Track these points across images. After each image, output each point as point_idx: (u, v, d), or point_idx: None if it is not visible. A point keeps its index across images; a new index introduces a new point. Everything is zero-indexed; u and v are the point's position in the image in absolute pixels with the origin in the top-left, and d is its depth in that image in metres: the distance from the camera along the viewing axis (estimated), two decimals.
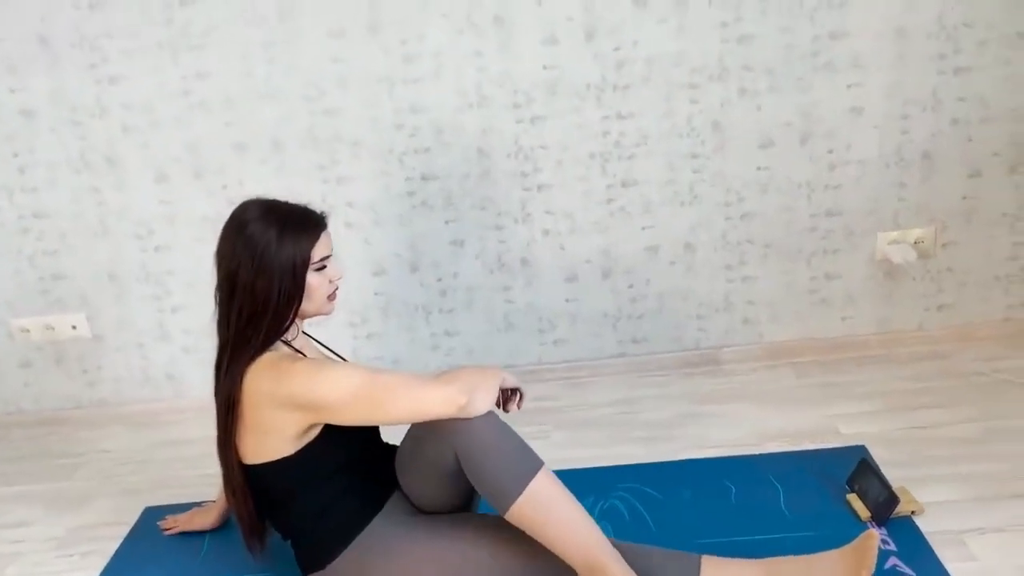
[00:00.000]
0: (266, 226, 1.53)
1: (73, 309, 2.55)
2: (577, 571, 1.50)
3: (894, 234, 2.42)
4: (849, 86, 2.26)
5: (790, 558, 1.59)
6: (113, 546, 2.07)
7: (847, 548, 1.57)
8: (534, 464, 1.51)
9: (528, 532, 1.50)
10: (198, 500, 2.21)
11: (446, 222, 2.44)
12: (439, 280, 2.51)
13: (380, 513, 1.64)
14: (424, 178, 2.39)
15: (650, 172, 2.37)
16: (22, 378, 2.64)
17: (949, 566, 1.69)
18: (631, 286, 2.50)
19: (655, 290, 2.50)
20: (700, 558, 1.56)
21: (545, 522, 1.48)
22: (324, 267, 1.59)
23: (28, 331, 2.56)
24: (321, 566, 1.61)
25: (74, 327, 2.56)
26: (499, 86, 2.29)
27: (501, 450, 1.50)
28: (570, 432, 2.33)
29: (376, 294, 2.52)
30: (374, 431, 1.75)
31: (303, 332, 1.71)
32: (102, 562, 2.02)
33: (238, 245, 1.53)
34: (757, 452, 2.13)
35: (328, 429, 1.57)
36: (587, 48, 2.24)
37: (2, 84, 2.29)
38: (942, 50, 2.22)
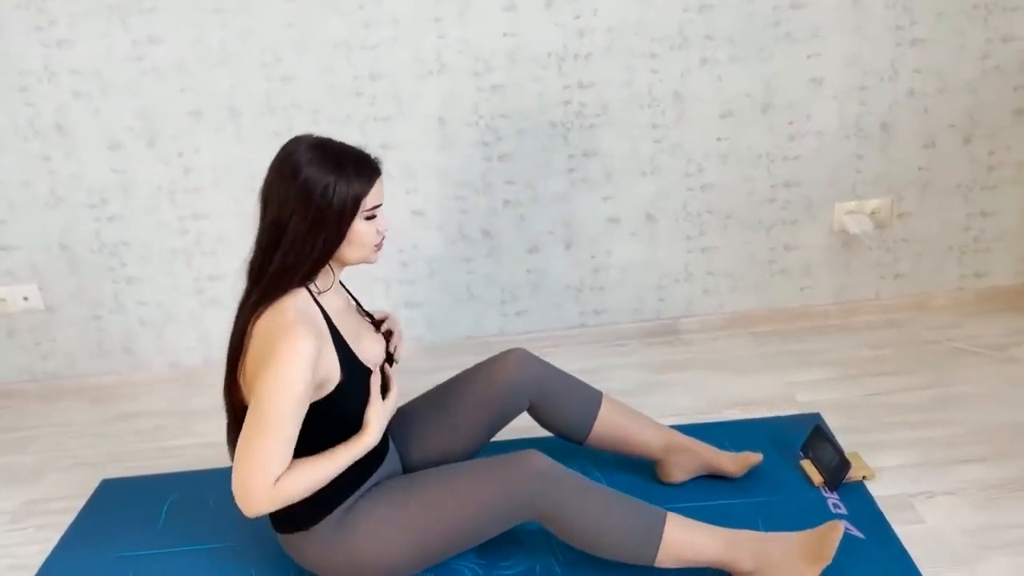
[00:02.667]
0: (322, 171, 1.46)
1: (24, 280, 2.49)
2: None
3: (851, 204, 2.44)
4: (809, 56, 2.27)
5: (751, 533, 1.62)
6: (67, 519, 2.05)
7: (810, 534, 1.60)
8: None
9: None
10: (155, 472, 2.19)
11: (407, 192, 2.42)
12: (400, 251, 2.49)
13: (363, 485, 1.65)
14: (384, 147, 2.35)
15: (611, 142, 2.36)
16: None
17: (898, 528, 1.73)
18: (593, 257, 2.50)
19: (616, 261, 2.51)
20: (666, 514, 1.60)
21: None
22: (375, 216, 1.54)
23: None
24: (301, 528, 1.61)
25: (26, 298, 2.50)
26: (459, 52, 2.26)
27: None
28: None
29: None
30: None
31: (340, 282, 1.65)
32: (56, 535, 1.99)
33: (292, 191, 1.46)
34: (715, 420, 2.16)
35: (325, 403, 1.54)
36: (547, 15, 2.22)
37: None
38: (899, 21, 2.24)
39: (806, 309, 2.57)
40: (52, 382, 2.62)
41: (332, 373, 1.52)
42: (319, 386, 1.51)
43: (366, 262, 1.59)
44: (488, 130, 2.35)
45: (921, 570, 1.62)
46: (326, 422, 1.54)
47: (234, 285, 2.45)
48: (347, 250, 1.53)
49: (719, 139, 2.36)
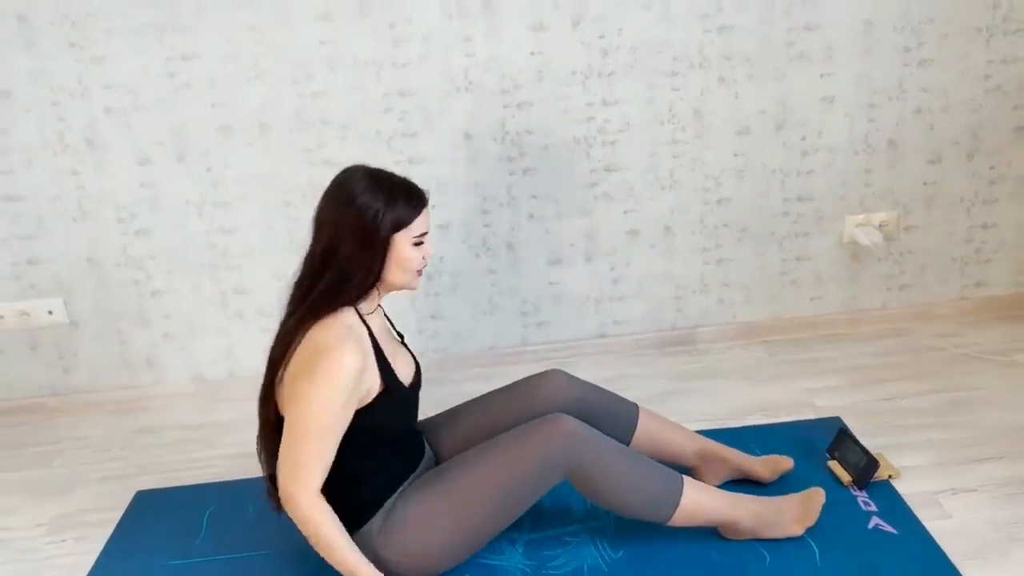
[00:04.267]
0: (375, 198, 1.55)
1: (49, 294, 2.49)
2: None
3: (860, 217, 2.55)
4: (821, 76, 2.37)
5: (749, 496, 1.82)
6: (104, 531, 2.05)
7: (797, 499, 1.80)
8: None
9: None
10: (187, 484, 2.21)
11: (432, 206, 2.46)
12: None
13: (402, 485, 1.72)
14: (411, 162, 2.41)
15: (632, 158, 2.44)
16: None
17: (927, 524, 1.81)
18: (612, 268, 2.57)
19: (635, 273, 2.58)
20: (683, 478, 1.74)
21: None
22: (421, 243, 1.62)
23: (1, 317, 2.50)
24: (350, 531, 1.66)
25: (50, 312, 2.51)
26: (487, 71, 2.33)
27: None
28: None
29: None
30: (412, 417, 1.80)
31: (380, 305, 1.72)
32: (95, 546, 2.00)
33: (346, 216, 1.54)
34: (740, 425, 2.23)
35: (363, 412, 1.60)
36: (573, 35, 2.30)
37: None
38: (907, 43, 2.35)
39: (815, 319, 2.67)
40: (74, 396, 2.62)
41: (373, 387, 1.61)
42: (360, 398, 1.59)
43: (408, 287, 1.67)
44: (513, 145, 2.41)
45: (953, 562, 1.70)
46: (361, 432, 1.61)
47: (259, 299, 2.52)
48: (393, 274, 1.62)
49: (736, 155, 2.45)
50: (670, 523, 1.73)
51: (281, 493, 1.58)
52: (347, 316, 1.60)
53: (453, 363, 2.61)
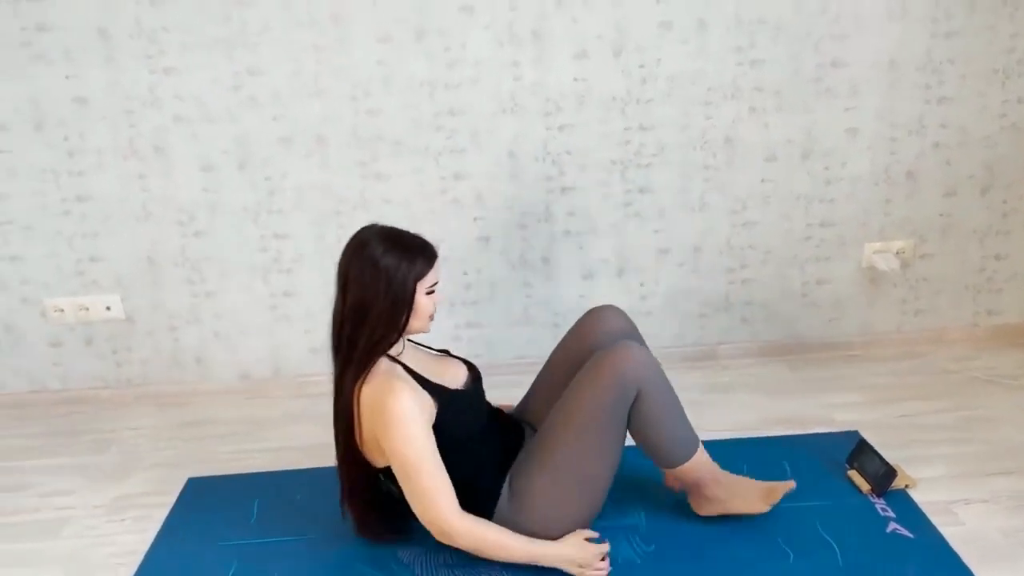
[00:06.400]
0: (398, 259, 1.73)
1: (108, 291, 2.63)
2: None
3: (878, 244, 2.68)
4: (846, 109, 2.52)
5: (727, 473, 1.96)
6: (160, 513, 2.17)
7: (767, 485, 1.94)
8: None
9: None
10: (237, 472, 2.33)
11: (474, 219, 2.62)
12: (464, 274, 2.68)
13: (510, 468, 1.89)
14: (457, 177, 2.56)
15: (665, 180, 2.59)
16: (51, 357, 2.71)
17: (942, 530, 1.92)
18: (642, 284, 2.71)
19: (663, 289, 2.72)
20: (700, 441, 1.91)
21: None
22: (433, 291, 1.81)
23: (62, 311, 2.64)
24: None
25: (108, 308, 2.64)
26: (532, 94, 2.48)
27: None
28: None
29: None
30: (482, 410, 1.96)
31: (408, 340, 1.92)
32: (154, 527, 2.12)
33: (373, 277, 1.72)
34: (761, 435, 2.35)
35: (439, 426, 1.77)
36: (615, 64, 2.45)
37: (58, 71, 2.38)
38: (928, 81, 2.50)
39: (832, 340, 2.80)
40: (125, 389, 2.75)
41: (431, 406, 1.78)
42: (428, 420, 1.77)
43: (423, 331, 1.85)
44: (553, 165, 2.56)
45: (968, 566, 1.81)
46: (447, 444, 1.78)
47: (307, 302, 2.66)
48: (412, 321, 1.79)
49: (763, 181, 2.59)
50: (672, 469, 1.89)
51: (434, 532, 1.76)
52: (381, 364, 1.78)
53: (487, 371, 2.71)
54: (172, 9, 2.34)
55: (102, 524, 2.16)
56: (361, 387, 1.75)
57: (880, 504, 2.03)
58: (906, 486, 2.07)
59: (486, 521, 1.79)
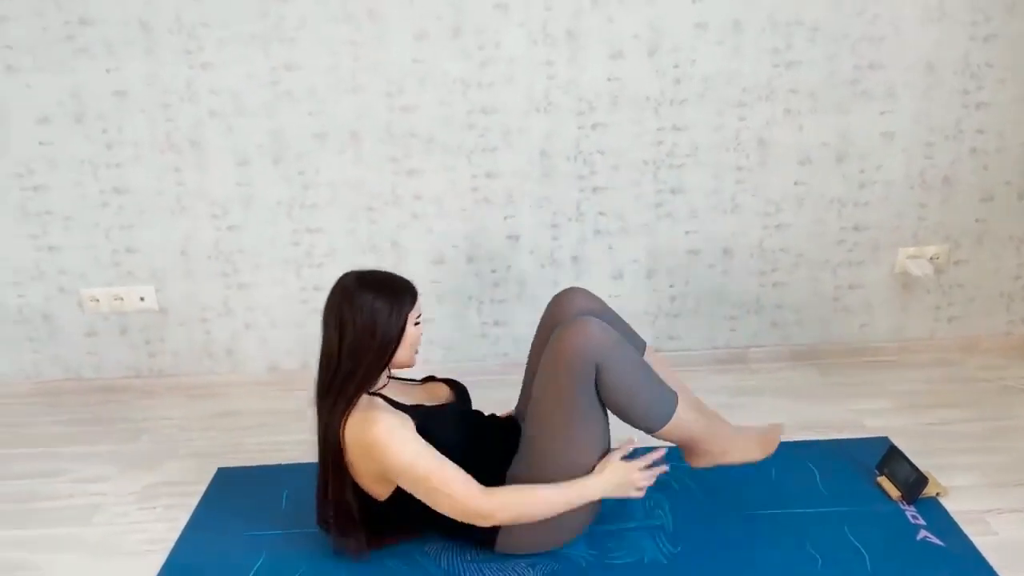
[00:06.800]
0: (385, 301, 1.78)
1: (143, 282, 2.67)
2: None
3: (912, 250, 2.65)
4: (882, 113, 2.50)
5: (723, 421, 1.96)
6: (190, 502, 2.20)
7: (759, 434, 1.94)
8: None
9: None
10: (266, 464, 2.35)
11: (504, 218, 2.62)
12: (493, 272, 2.69)
13: (510, 464, 1.90)
14: (488, 175, 2.57)
15: (697, 181, 2.58)
16: (86, 346, 2.75)
17: (974, 539, 1.90)
18: (671, 286, 2.70)
19: (693, 291, 2.71)
20: (676, 394, 1.87)
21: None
22: (419, 322, 1.86)
23: (97, 300, 2.68)
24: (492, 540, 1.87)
25: (142, 299, 2.68)
26: (565, 93, 2.48)
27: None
28: (611, 416, 2.51)
29: (433, 282, 2.69)
30: (469, 420, 1.97)
31: (391, 376, 1.96)
32: (183, 515, 2.15)
33: (365, 322, 1.76)
34: (790, 439, 2.33)
35: (430, 440, 1.79)
36: (649, 64, 2.45)
37: (99, 64, 2.42)
38: (966, 86, 2.47)
39: (863, 345, 2.77)
40: (157, 379, 2.79)
41: (410, 424, 1.80)
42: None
43: (407, 364, 1.89)
44: (585, 164, 2.56)
45: (1000, 574, 1.79)
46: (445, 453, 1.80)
47: None
48: (400, 353, 1.84)
49: (796, 183, 2.58)
50: (656, 433, 1.86)
51: (474, 521, 1.75)
52: (361, 401, 1.81)
53: (515, 368, 2.72)
54: (211, 4, 2.37)
55: (133, 511, 2.19)
56: (346, 422, 1.79)
57: (910, 511, 2.01)
58: (937, 494, 2.05)
59: (514, 487, 1.78)
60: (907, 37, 2.42)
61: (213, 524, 2.11)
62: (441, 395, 2.00)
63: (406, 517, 1.87)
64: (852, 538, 1.92)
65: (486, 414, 2.04)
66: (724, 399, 2.57)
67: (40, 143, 2.51)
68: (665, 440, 1.90)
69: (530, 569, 1.87)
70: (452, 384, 2.04)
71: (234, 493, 2.24)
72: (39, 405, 2.76)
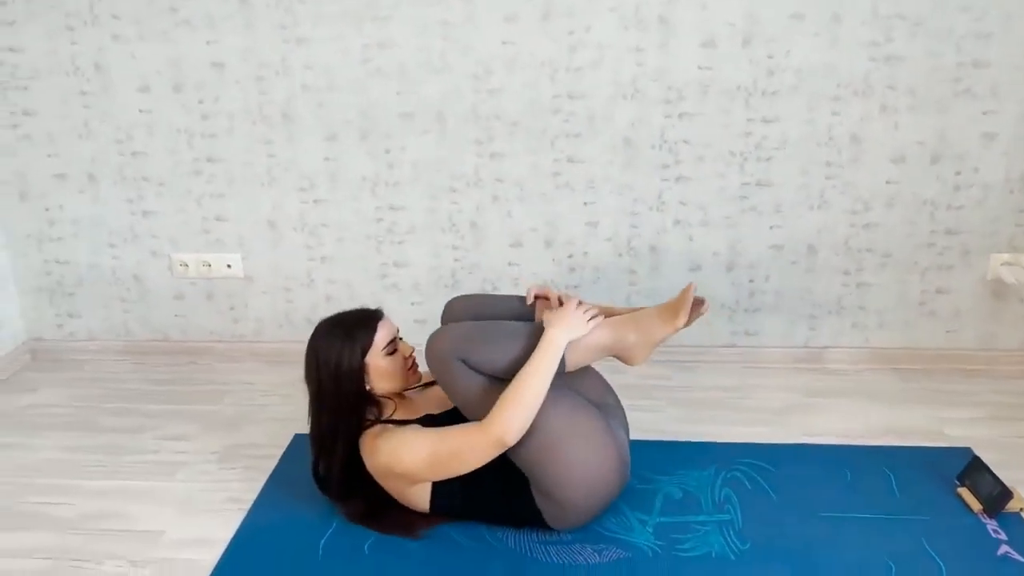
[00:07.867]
0: (340, 344, 1.87)
1: (230, 250, 2.76)
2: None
3: (1006, 256, 2.55)
4: (984, 113, 2.40)
5: (625, 313, 1.94)
6: (268, 464, 2.27)
7: (664, 305, 1.89)
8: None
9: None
10: None
11: (584, 204, 2.62)
12: (570, 257, 2.69)
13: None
14: (571, 161, 2.56)
15: (785, 175, 2.53)
16: (174, 309, 2.86)
17: None
18: (751, 280, 2.66)
19: (773, 287, 2.66)
20: (553, 328, 1.82)
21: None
22: (395, 349, 1.89)
23: (186, 266, 2.78)
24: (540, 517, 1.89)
25: (229, 266, 2.77)
26: (653, 80, 2.46)
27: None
28: (683, 409, 2.49)
29: (510, 264, 2.70)
30: None
31: (404, 395, 2.01)
32: (262, 477, 2.22)
33: (331, 374, 1.86)
34: (867, 444, 2.28)
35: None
36: (743, 53, 2.41)
37: (200, 36, 2.50)
38: None
39: (950, 352, 2.68)
40: (238, 344, 2.88)
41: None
42: None
43: (407, 387, 1.94)
44: (669, 153, 2.53)
45: None
46: None
47: (415, 274, 2.72)
48: (382, 386, 1.91)
49: (888, 182, 2.50)
50: (568, 368, 1.84)
51: (497, 449, 1.75)
52: (369, 432, 1.89)
53: None
54: None
55: (215, 470, 2.27)
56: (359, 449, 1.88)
57: (992, 525, 1.95)
58: (1021, 509, 1.98)
59: (500, 399, 1.75)
60: (1017, 35, 2.32)
61: (289, 488, 2.17)
62: (445, 399, 2.01)
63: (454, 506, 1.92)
64: (929, 548, 1.87)
65: None
66: (799, 399, 2.53)
67: (140, 111, 2.60)
68: (589, 363, 1.91)
69: (596, 555, 1.88)
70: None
71: (308, 460, 2.30)
72: (128, 363, 2.88)
